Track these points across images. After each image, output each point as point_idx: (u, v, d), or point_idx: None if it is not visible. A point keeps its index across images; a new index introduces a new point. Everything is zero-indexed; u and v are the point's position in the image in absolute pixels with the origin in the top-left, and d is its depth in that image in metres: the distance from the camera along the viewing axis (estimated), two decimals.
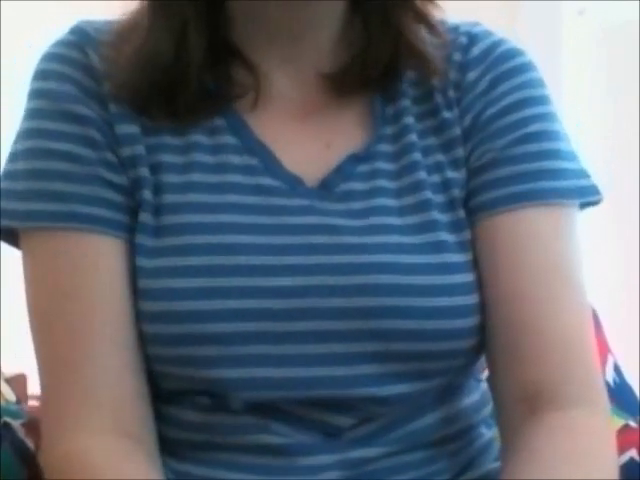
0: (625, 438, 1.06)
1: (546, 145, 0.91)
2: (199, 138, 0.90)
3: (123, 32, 0.91)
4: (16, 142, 0.91)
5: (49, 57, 0.92)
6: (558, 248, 0.89)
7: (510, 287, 0.88)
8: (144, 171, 0.88)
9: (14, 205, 0.88)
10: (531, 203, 0.89)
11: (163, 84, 0.88)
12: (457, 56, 0.94)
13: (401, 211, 0.89)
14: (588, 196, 0.92)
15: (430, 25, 0.93)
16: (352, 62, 0.92)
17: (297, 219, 0.87)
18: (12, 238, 0.91)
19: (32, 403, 1.47)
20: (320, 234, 0.87)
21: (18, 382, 1.64)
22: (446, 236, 0.89)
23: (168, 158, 0.89)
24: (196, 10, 0.88)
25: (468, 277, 0.88)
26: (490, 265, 0.89)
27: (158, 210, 0.87)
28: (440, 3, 0.94)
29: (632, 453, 1.05)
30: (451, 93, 0.93)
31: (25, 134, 0.90)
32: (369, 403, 0.87)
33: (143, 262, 0.86)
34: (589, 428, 0.85)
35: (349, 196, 0.89)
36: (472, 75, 0.93)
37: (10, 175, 0.89)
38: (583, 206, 0.93)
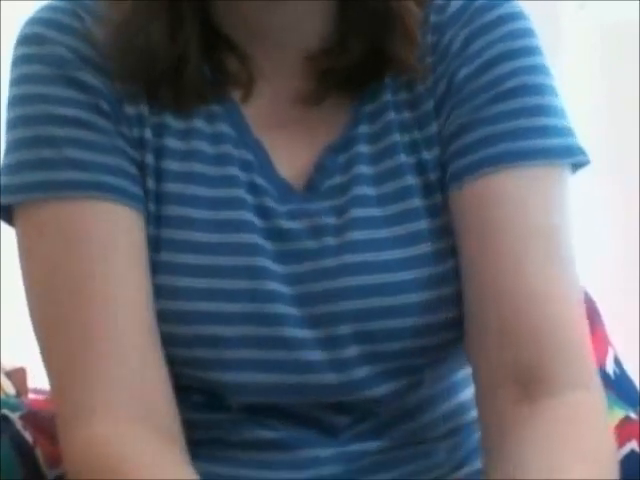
0: (626, 430, 1.05)
1: (525, 101, 0.84)
2: (199, 124, 0.87)
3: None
4: (9, 110, 0.84)
5: (37, 21, 0.85)
6: (544, 214, 0.83)
7: (495, 265, 0.81)
8: (149, 157, 0.85)
9: (14, 179, 0.82)
10: (506, 165, 0.82)
11: (160, 71, 0.84)
12: (433, 17, 0.87)
13: (380, 200, 0.85)
14: (575, 156, 0.85)
15: None
16: (334, 43, 0.86)
17: (287, 223, 0.85)
18: (7, 217, 0.86)
19: (32, 396, 1.47)
20: (308, 239, 0.85)
21: (18, 376, 1.65)
22: (426, 224, 0.85)
23: (170, 143, 0.86)
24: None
25: (449, 265, 0.84)
26: (471, 243, 0.83)
27: (159, 198, 0.85)
28: None
29: (633, 445, 1.04)
30: (427, 60, 0.86)
31: (20, 100, 0.83)
32: (362, 403, 0.86)
33: None
34: (587, 413, 0.80)
35: (333, 191, 0.86)
36: (448, 36, 0.86)
37: (10, 146, 0.83)
38: (572, 168, 0.86)
